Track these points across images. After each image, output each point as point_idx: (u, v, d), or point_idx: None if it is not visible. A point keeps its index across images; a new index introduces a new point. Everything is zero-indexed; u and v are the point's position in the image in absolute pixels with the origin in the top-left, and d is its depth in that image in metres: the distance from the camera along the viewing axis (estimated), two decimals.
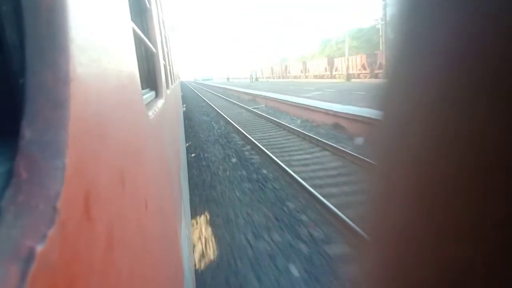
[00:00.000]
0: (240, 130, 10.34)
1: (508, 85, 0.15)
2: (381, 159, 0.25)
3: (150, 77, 1.95)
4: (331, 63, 42.30)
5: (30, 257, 0.25)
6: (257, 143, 8.33)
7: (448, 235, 0.18)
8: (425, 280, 0.20)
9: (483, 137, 0.16)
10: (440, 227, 0.19)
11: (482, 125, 0.16)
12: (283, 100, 16.09)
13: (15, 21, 0.34)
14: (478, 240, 0.17)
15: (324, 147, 7.68)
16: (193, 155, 8.00)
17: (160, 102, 1.61)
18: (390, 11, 0.23)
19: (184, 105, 18.92)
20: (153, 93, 1.77)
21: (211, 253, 3.73)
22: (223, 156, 7.70)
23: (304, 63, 52.51)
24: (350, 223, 3.78)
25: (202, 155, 7.93)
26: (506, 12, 0.15)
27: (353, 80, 33.27)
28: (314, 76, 46.20)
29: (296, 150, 7.82)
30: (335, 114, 10.16)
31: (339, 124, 9.79)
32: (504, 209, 0.16)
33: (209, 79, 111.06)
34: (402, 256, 0.22)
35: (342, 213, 4.03)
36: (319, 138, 8.20)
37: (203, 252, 3.76)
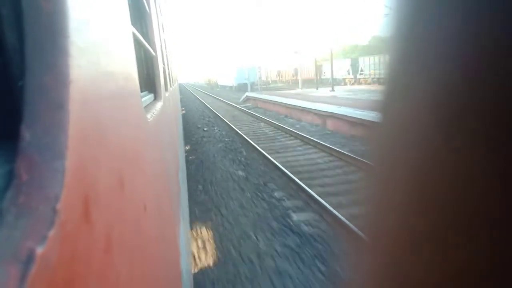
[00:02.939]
0: None
1: (507, 87, 0.15)
2: (380, 161, 0.25)
3: (149, 80, 1.96)
4: None
5: (30, 258, 0.25)
6: None
7: (447, 237, 0.18)
8: (424, 281, 0.20)
9: (482, 139, 0.16)
10: (439, 228, 0.19)
11: (481, 127, 0.16)
12: None
13: (15, 24, 0.34)
14: (477, 241, 0.17)
15: None
16: None
17: (158, 105, 1.61)
18: (389, 14, 0.23)
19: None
20: (151, 95, 1.77)
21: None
22: None
23: None
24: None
25: None
26: (505, 15, 0.15)
27: None
28: None
29: None
30: None
31: None
32: (503, 210, 0.16)
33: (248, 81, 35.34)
34: (400, 257, 0.22)
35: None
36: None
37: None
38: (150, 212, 0.75)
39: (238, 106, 19.93)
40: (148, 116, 1.07)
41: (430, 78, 0.19)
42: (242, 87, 36.04)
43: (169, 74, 3.79)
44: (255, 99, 21.21)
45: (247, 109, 18.41)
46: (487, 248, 0.16)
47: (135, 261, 0.56)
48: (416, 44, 0.21)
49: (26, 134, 0.30)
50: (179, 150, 3.63)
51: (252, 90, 31.18)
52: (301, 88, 29.73)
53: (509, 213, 0.16)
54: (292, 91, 26.13)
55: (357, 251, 0.30)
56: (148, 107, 1.31)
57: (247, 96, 23.78)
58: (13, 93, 0.34)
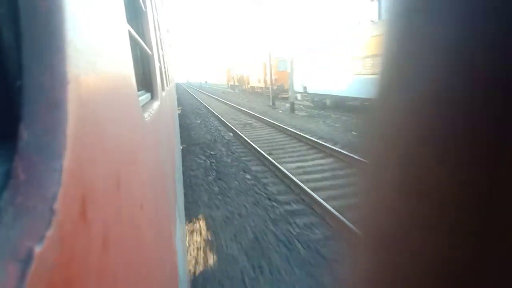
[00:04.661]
0: None
1: (504, 86, 0.16)
2: (374, 158, 0.25)
3: (145, 79, 1.95)
4: None
5: (29, 257, 0.25)
6: None
7: (441, 234, 0.18)
8: (420, 280, 0.20)
9: (477, 137, 0.17)
10: (433, 226, 0.19)
11: (476, 125, 0.17)
12: None
13: (12, 23, 0.34)
14: (473, 239, 0.17)
15: None
16: None
17: (155, 104, 1.61)
18: (384, 12, 0.23)
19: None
20: (148, 95, 1.76)
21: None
22: None
23: None
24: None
25: None
26: (501, 14, 0.15)
27: None
28: None
29: None
30: None
31: None
32: (500, 209, 0.16)
33: None
34: (395, 254, 0.22)
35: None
36: None
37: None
38: (146, 211, 0.76)
39: None
40: (145, 115, 1.06)
41: (425, 76, 0.19)
42: None
43: (165, 73, 3.78)
44: None
45: None
46: (483, 247, 0.17)
47: (132, 259, 0.56)
48: (411, 41, 0.21)
49: (24, 134, 0.30)
50: (176, 149, 3.63)
51: None
52: None
53: (505, 212, 0.16)
54: None
55: (352, 249, 0.30)
56: (145, 107, 1.31)
57: None
58: (11, 93, 0.34)
